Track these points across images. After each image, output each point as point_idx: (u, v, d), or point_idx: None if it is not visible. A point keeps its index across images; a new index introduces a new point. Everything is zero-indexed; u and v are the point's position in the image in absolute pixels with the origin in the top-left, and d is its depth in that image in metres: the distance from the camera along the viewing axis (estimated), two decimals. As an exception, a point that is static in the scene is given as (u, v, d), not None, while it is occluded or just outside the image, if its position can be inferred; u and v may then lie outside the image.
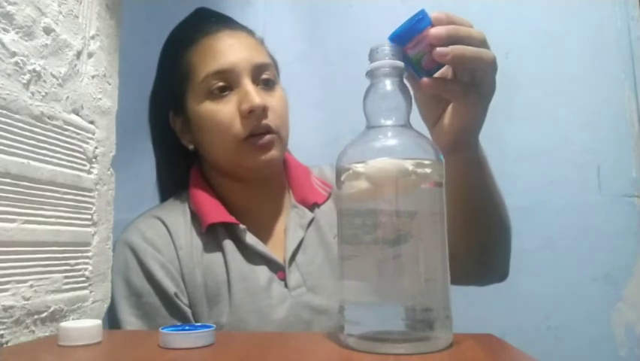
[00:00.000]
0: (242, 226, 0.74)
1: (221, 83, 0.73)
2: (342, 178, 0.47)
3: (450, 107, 0.56)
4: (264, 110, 0.72)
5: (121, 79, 0.77)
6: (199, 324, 0.52)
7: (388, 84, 0.49)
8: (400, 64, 0.49)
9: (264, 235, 0.78)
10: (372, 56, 0.50)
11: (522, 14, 1.26)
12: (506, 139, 1.16)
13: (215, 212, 0.74)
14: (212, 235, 0.74)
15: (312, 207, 0.80)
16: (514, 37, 1.25)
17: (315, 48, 1.06)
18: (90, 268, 0.67)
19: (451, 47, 0.49)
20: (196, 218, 0.75)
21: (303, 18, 1.30)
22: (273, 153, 0.73)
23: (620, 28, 1.24)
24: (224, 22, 0.79)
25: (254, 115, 0.71)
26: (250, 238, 0.74)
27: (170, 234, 0.74)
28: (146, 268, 0.71)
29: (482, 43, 0.51)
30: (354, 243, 0.46)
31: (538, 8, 1.26)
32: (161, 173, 0.88)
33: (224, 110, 0.73)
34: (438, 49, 0.49)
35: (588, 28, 1.25)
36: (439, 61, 0.50)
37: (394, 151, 0.46)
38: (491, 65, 0.52)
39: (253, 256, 0.74)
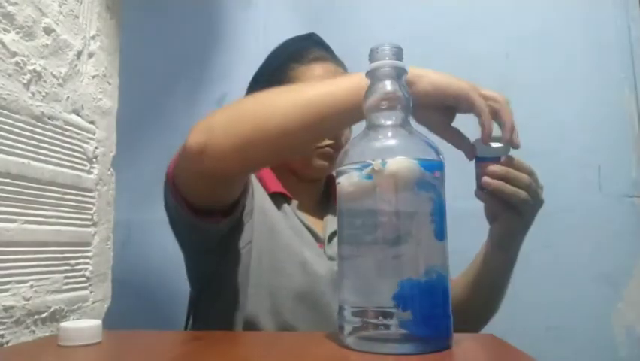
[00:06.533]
0: (295, 201, 0.86)
1: None
2: (363, 172, 0.46)
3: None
4: (341, 132, 0.86)
5: (121, 79, 0.77)
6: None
7: (388, 84, 0.49)
8: (401, 64, 0.49)
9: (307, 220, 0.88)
10: (373, 56, 0.50)
11: (522, 14, 1.26)
12: (506, 139, 1.16)
13: (276, 184, 0.87)
14: (274, 198, 0.85)
15: None
16: (514, 37, 1.25)
17: (315, 48, 1.07)
18: (90, 268, 0.67)
19: (495, 181, 0.64)
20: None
21: (303, 19, 1.30)
22: (326, 164, 0.86)
23: (620, 28, 1.24)
24: (332, 56, 0.92)
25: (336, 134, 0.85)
26: (299, 213, 0.86)
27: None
28: None
29: (527, 187, 0.65)
30: (354, 243, 0.46)
31: (538, 8, 1.26)
32: None
33: None
34: (484, 178, 0.64)
35: (588, 28, 1.24)
36: (483, 186, 0.65)
37: (394, 151, 0.46)
38: (527, 203, 0.66)
39: (302, 224, 0.85)
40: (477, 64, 1.23)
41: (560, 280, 1.15)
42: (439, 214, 0.46)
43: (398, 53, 0.50)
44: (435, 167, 0.46)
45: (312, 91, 0.62)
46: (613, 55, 1.23)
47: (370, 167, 0.45)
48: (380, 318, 0.44)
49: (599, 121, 1.21)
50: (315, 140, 0.70)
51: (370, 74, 0.50)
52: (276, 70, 0.91)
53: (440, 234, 0.46)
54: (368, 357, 0.43)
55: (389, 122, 0.48)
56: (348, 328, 0.46)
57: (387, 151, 0.46)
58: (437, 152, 0.48)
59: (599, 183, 1.19)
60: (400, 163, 0.45)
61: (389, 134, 0.48)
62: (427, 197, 0.45)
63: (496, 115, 0.63)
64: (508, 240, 0.72)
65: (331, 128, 0.67)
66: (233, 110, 0.64)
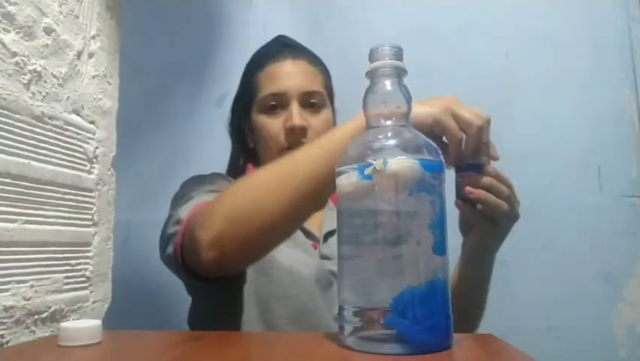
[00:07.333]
0: None
1: (273, 103, 0.89)
2: (363, 172, 0.46)
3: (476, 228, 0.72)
4: (302, 130, 0.86)
5: (121, 79, 0.77)
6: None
7: (388, 84, 0.49)
8: (400, 64, 0.49)
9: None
10: (373, 56, 0.50)
11: (522, 14, 1.26)
12: (506, 139, 1.15)
13: None
14: None
15: None
16: (514, 37, 1.25)
17: (315, 49, 1.06)
18: (90, 268, 0.67)
19: (479, 190, 0.66)
20: None
21: (303, 19, 1.31)
22: None
23: (620, 28, 1.24)
24: (291, 51, 0.93)
25: (294, 132, 0.86)
26: None
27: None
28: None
29: (507, 199, 0.67)
30: (354, 243, 0.46)
31: (538, 8, 1.26)
32: (232, 163, 1.02)
33: (274, 124, 0.89)
34: (467, 187, 0.66)
35: (588, 28, 1.24)
36: (467, 195, 0.66)
37: (394, 151, 0.46)
38: (507, 214, 0.67)
39: None
40: (477, 64, 1.23)
41: (560, 280, 1.15)
42: (439, 224, 0.45)
43: (398, 53, 0.50)
44: (435, 167, 0.46)
45: (294, 173, 0.63)
46: (613, 55, 1.23)
47: (371, 167, 0.45)
48: (380, 318, 0.44)
49: (599, 121, 1.21)
50: (323, 200, 0.68)
51: (370, 74, 0.50)
52: (246, 76, 0.95)
53: (440, 248, 0.45)
54: (368, 357, 0.43)
55: (389, 122, 0.48)
56: (348, 328, 0.46)
57: (388, 151, 0.46)
58: (437, 152, 0.48)
59: (599, 183, 1.19)
60: (401, 163, 0.45)
61: (389, 134, 0.48)
62: (428, 199, 0.45)
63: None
64: (481, 253, 0.73)
65: (331, 190, 0.66)
66: (232, 212, 0.63)
